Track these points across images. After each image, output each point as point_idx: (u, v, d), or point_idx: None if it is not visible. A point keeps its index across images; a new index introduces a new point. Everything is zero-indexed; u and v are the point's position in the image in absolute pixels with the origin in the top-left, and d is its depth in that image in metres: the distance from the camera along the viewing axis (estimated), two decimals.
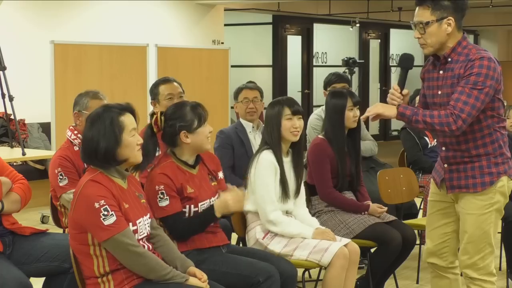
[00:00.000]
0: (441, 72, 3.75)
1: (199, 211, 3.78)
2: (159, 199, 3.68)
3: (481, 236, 3.74)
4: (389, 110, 3.67)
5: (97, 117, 3.30)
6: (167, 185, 3.69)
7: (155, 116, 3.79)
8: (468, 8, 3.72)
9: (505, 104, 5.58)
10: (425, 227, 4.07)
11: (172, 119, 3.79)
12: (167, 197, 3.69)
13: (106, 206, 3.17)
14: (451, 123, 3.55)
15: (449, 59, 3.71)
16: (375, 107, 3.70)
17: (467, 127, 3.61)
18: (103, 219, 3.16)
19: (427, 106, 3.86)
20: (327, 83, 6.00)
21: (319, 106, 6.04)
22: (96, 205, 3.16)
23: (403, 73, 3.81)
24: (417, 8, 3.72)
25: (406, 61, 3.85)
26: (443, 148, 3.81)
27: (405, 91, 3.76)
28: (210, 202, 3.84)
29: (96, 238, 3.20)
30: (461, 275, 3.96)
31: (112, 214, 3.17)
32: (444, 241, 3.93)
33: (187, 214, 3.77)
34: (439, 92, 3.75)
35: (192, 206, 3.77)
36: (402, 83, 3.78)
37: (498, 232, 5.81)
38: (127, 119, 3.31)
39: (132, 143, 3.31)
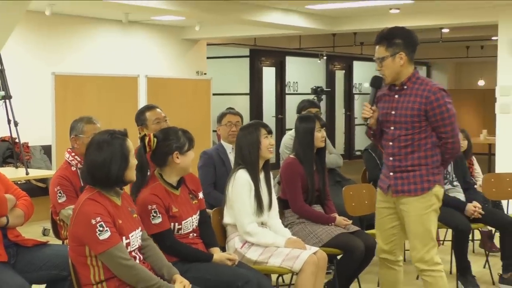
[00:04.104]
0: (396, 96, 4.04)
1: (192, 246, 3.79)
2: (153, 217, 3.65)
3: (425, 232, 4.01)
4: None
5: (105, 143, 3.25)
6: (159, 205, 3.68)
7: (147, 138, 3.78)
8: (418, 43, 4.02)
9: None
10: None
11: (168, 140, 3.79)
12: (160, 215, 3.67)
13: (102, 222, 3.15)
14: (457, 150, 4.05)
15: (405, 87, 4.01)
16: None
17: (418, 140, 3.96)
18: (99, 234, 3.14)
19: (380, 124, 4.13)
20: (302, 108, 6.00)
21: (291, 129, 6.04)
22: (93, 221, 3.14)
23: (373, 91, 4.09)
24: (376, 47, 4.02)
25: (376, 81, 4.10)
26: (391, 158, 4.07)
27: (374, 108, 4.06)
28: (192, 220, 3.84)
29: (92, 251, 3.18)
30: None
31: (107, 230, 3.15)
32: (393, 241, 4.19)
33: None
34: (393, 112, 4.02)
35: (176, 224, 3.76)
36: (372, 100, 4.08)
37: (449, 240, 5.85)
38: (129, 144, 3.32)
39: (134, 165, 3.33)
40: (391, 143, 4.05)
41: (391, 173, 4.06)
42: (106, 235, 3.14)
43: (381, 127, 4.10)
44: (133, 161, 3.31)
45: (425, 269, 4.03)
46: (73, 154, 4.47)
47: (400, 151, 4.01)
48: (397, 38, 3.93)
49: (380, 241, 4.23)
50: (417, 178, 3.99)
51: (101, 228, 3.14)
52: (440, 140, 3.99)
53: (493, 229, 6.24)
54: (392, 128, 4.03)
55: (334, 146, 6.51)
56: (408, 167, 4.00)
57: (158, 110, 4.96)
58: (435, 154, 4.01)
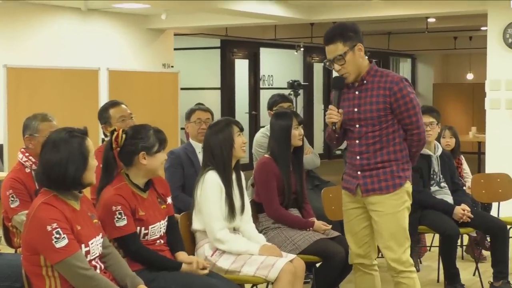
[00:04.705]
0: (356, 92, 4.13)
1: (160, 255, 3.76)
2: (117, 219, 3.63)
3: (400, 231, 4.11)
4: None
5: (63, 142, 3.24)
6: (124, 206, 3.66)
7: (116, 133, 3.77)
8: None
9: (439, 123, 5.68)
10: None
11: (136, 138, 3.77)
12: (125, 217, 3.65)
13: (58, 229, 3.13)
14: (423, 143, 4.16)
15: (365, 81, 4.11)
16: None
17: (386, 135, 4.06)
18: (55, 242, 3.11)
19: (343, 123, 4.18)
20: (273, 104, 6.02)
21: (264, 126, 6.06)
22: (49, 228, 3.12)
23: (336, 93, 4.15)
24: (327, 47, 4.11)
25: (338, 82, 4.17)
26: (358, 157, 4.14)
27: (340, 110, 4.12)
28: (160, 225, 3.83)
29: (48, 260, 3.15)
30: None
31: (64, 237, 3.13)
32: (366, 242, 4.26)
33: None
34: (356, 110, 4.10)
35: (143, 228, 3.74)
36: (337, 103, 4.14)
37: (436, 246, 5.90)
38: (89, 143, 3.30)
39: (94, 167, 3.31)
40: (357, 141, 4.14)
41: (359, 172, 4.15)
42: (63, 242, 3.12)
43: (344, 126, 4.18)
44: (93, 163, 3.30)
45: (403, 270, 4.12)
46: (27, 154, 4.43)
47: (368, 148, 4.10)
48: (349, 32, 4.05)
49: (353, 245, 4.29)
50: (387, 175, 4.09)
51: (57, 235, 3.11)
52: (406, 133, 4.10)
53: (478, 237, 6.31)
54: (357, 126, 4.12)
55: (312, 145, 6.54)
56: (377, 164, 4.10)
57: (123, 106, 4.93)
58: (404, 149, 4.13)
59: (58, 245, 3.11)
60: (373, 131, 4.07)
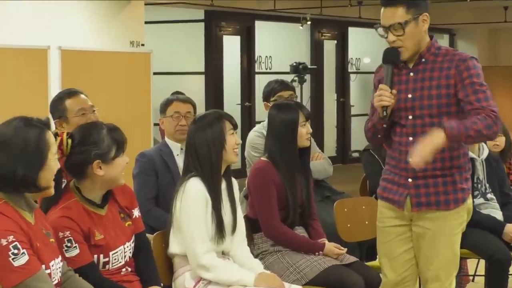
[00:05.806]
0: (411, 74, 4.10)
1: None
2: (66, 248, 3.62)
3: (453, 259, 4.18)
4: (437, 139, 3.84)
5: (17, 131, 3.24)
6: (74, 230, 3.64)
7: (59, 138, 3.71)
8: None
9: None
10: None
11: (86, 144, 3.73)
12: (76, 244, 3.64)
13: (16, 242, 3.13)
14: (493, 125, 3.90)
15: (423, 60, 4.06)
16: (422, 149, 3.84)
17: None
18: (13, 259, 3.11)
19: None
20: (270, 93, 6.02)
21: (260, 122, 6.07)
22: (4, 241, 3.11)
23: (389, 69, 4.07)
24: (385, 9, 4.02)
25: (392, 55, 4.09)
26: (410, 160, 4.00)
27: (394, 91, 4.03)
28: (124, 249, 3.82)
29: (4, 283, 3.15)
30: None
31: (23, 253, 3.13)
32: (407, 269, 4.27)
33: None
34: (410, 96, 4.06)
35: (102, 256, 3.74)
36: (390, 81, 4.05)
37: (481, 275, 5.91)
38: (51, 138, 3.31)
39: (54, 168, 3.31)
40: (411, 138, 4.09)
41: (410, 180, 4.12)
42: (22, 260, 3.12)
43: (392, 118, 4.13)
44: (53, 163, 3.29)
45: None
46: None
47: None
48: None
49: (389, 273, 4.29)
50: (448, 186, 4.09)
51: (15, 251, 3.12)
52: (466, 110, 3.97)
53: None
54: (410, 117, 4.08)
55: (322, 146, 6.55)
56: (436, 171, 4.08)
57: (82, 96, 4.92)
58: (466, 153, 4.15)
59: (16, 263, 3.11)
60: (431, 124, 4.02)
